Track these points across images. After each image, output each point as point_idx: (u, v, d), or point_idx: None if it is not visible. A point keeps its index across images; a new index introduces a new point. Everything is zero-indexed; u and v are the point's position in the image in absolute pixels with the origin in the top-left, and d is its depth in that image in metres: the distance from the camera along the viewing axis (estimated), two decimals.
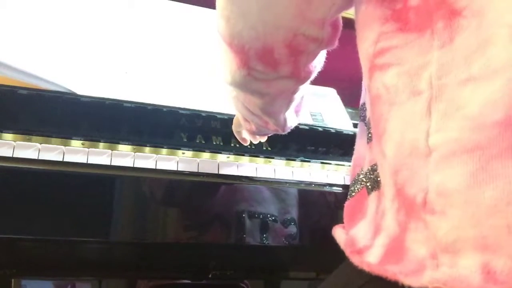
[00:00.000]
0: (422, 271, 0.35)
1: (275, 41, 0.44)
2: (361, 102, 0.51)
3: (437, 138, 0.34)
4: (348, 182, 0.80)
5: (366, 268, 0.40)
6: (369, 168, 0.46)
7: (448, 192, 0.33)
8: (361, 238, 0.43)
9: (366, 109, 0.48)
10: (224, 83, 0.54)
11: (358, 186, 0.48)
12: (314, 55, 0.49)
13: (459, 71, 0.34)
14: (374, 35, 0.40)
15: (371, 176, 0.45)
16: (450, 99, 0.34)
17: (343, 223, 0.50)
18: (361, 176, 0.48)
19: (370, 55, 0.41)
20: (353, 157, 0.53)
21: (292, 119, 0.63)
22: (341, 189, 0.79)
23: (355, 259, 0.42)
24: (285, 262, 0.99)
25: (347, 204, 0.50)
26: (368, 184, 0.46)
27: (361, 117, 0.51)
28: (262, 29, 0.43)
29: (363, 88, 0.50)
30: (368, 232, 0.43)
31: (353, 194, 0.49)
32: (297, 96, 0.57)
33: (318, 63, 0.51)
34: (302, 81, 0.51)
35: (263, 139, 0.76)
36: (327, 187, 0.79)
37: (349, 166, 0.86)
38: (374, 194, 0.44)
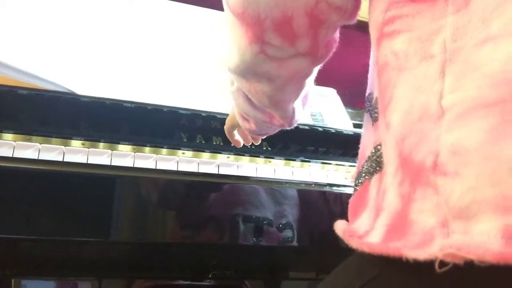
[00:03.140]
0: (431, 241, 0.31)
1: (296, 9, 0.41)
2: (367, 91, 0.49)
3: (452, 98, 0.32)
4: (348, 183, 0.80)
5: (366, 249, 0.36)
6: (373, 150, 0.43)
7: (464, 149, 0.30)
8: (363, 226, 0.41)
9: (372, 98, 0.46)
10: (228, 70, 0.50)
11: (361, 179, 0.45)
12: (333, 29, 0.46)
13: (476, 32, 0.32)
14: (384, 5, 0.38)
15: (374, 157, 0.43)
16: (466, 60, 0.32)
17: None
18: (364, 168, 0.45)
19: (379, 23, 0.39)
20: (359, 152, 0.51)
21: (300, 111, 0.60)
22: (341, 189, 0.79)
23: (354, 242, 0.39)
24: (285, 262, 0.99)
25: (350, 200, 0.48)
26: (370, 169, 0.43)
27: (367, 108, 0.48)
28: None
29: (370, 77, 0.48)
30: (369, 219, 0.40)
31: (357, 188, 0.47)
32: (308, 82, 0.53)
33: (334, 41, 0.48)
34: (318, 60, 0.48)
35: (257, 141, 0.73)
36: (327, 187, 0.79)
37: (349, 166, 0.86)
38: (375, 178, 0.42)
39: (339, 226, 0.44)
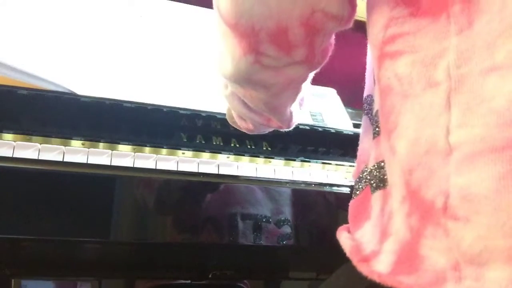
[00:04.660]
0: (442, 283, 0.31)
1: (291, 19, 0.39)
2: (365, 94, 0.48)
3: (459, 135, 0.31)
4: (348, 183, 0.80)
5: (376, 279, 0.36)
6: (375, 165, 0.42)
7: (473, 197, 0.29)
8: (367, 242, 0.40)
9: (372, 102, 0.45)
10: (222, 77, 0.49)
11: (362, 185, 0.45)
12: (329, 36, 0.45)
13: (481, 59, 0.30)
14: (384, 20, 0.37)
15: (377, 173, 0.42)
16: (472, 90, 0.30)
17: (345, 223, 0.48)
18: (365, 174, 0.45)
19: (380, 41, 0.38)
20: (358, 153, 0.50)
21: (298, 113, 0.59)
22: (341, 189, 0.79)
23: (363, 269, 0.38)
24: (285, 262, 0.99)
25: (351, 204, 0.47)
26: (372, 182, 0.42)
27: (365, 110, 0.47)
28: (276, 4, 0.38)
29: (368, 79, 0.47)
30: (374, 236, 0.40)
31: (357, 193, 0.46)
32: (304, 86, 0.52)
33: (330, 46, 0.47)
34: (314, 66, 0.47)
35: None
36: (327, 187, 0.79)
37: (349, 166, 0.86)
38: (378, 193, 0.41)
39: (344, 242, 0.43)
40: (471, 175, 0.30)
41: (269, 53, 0.42)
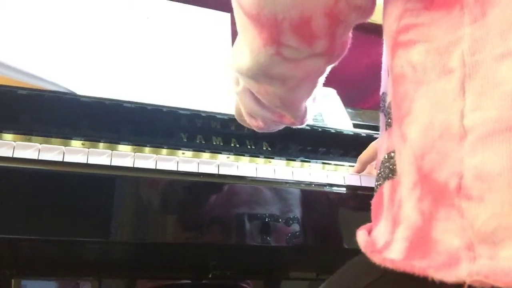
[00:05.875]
0: (457, 264, 0.31)
1: (314, 9, 0.39)
2: (381, 91, 0.48)
3: (474, 118, 0.31)
4: (348, 182, 0.80)
5: (389, 265, 0.36)
6: (386, 156, 0.42)
7: (487, 175, 0.30)
8: (381, 235, 0.40)
9: (386, 100, 0.45)
10: (236, 72, 0.49)
11: (380, 182, 0.44)
12: (349, 28, 0.45)
13: (494, 46, 0.31)
14: (398, 12, 0.38)
15: (386, 163, 0.42)
16: (486, 76, 0.31)
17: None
18: (381, 169, 0.44)
19: (394, 31, 0.38)
20: (377, 151, 0.49)
21: (312, 109, 0.58)
22: (341, 189, 0.79)
23: (376, 258, 0.38)
24: (285, 262, 0.99)
25: (372, 202, 0.47)
26: (383, 174, 0.42)
27: (381, 108, 0.47)
28: None
29: (383, 76, 0.47)
30: (386, 228, 0.39)
31: (376, 189, 0.46)
32: (320, 81, 0.52)
33: (349, 39, 0.47)
34: (334, 59, 0.47)
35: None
36: (327, 187, 0.79)
37: (349, 166, 0.86)
38: (387, 184, 0.41)
39: (360, 238, 0.43)
40: (484, 154, 0.30)
41: (291, 44, 0.42)
